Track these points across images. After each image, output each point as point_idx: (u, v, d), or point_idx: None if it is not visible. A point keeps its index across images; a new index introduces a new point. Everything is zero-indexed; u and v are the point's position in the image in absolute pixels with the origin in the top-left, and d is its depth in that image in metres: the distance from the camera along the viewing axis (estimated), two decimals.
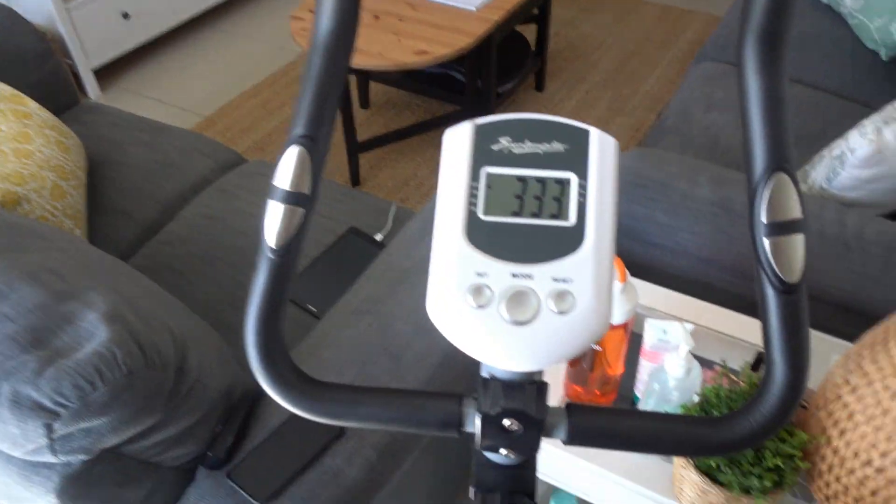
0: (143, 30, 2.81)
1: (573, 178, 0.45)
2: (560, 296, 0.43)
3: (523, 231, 0.44)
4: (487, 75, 2.22)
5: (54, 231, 0.95)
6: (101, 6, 2.60)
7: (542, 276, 0.43)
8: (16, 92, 1.51)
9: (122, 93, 2.76)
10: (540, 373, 0.50)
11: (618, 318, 0.82)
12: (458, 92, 2.34)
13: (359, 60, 1.87)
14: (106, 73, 2.84)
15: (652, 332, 0.86)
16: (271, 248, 0.48)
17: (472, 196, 0.46)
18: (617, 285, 0.81)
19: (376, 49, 1.90)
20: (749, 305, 1.14)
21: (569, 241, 0.44)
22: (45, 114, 1.52)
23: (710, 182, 1.16)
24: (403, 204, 1.96)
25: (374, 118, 2.55)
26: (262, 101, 2.66)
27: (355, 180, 2.26)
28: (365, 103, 2.59)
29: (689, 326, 0.82)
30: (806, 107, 1.77)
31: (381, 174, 2.31)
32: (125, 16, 2.70)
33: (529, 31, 2.55)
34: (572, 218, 0.44)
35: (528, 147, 0.47)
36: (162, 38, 3.05)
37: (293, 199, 0.47)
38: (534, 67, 2.56)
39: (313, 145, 0.48)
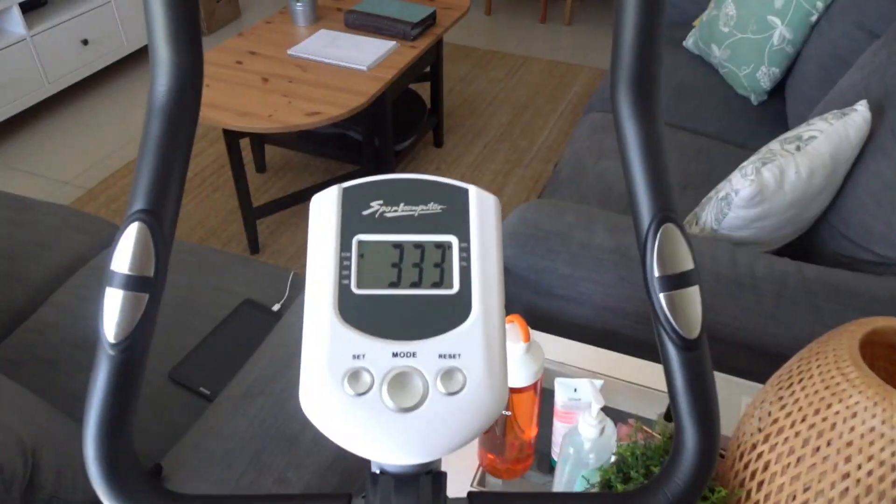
0: (14, 101, 2.63)
1: (454, 240, 0.41)
2: (448, 374, 0.38)
3: (403, 304, 0.40)
4: (384, 134, 2.20)
5: None
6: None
7: (426, 354, 0.39)
8: None
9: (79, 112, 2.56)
10: (437, 461, 0.45)
11: (525, 379, 0.78)
12: (357, 151, 2.31)
13: (249, 123, 1.81)
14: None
15: (562, 392, 0.83)
16: (110, 343, 0.41)
17: (344, 268, 0.41)
18: (521, 346, 0.77)
19: (266, 112, 1.84)
20: (656, 352, 1.13)
21: (454, 311, 0.40)
22: None
23: (608, 230, 1.17)
24: (304, 270, 1.87)
25: (271, 182, 2.47)
26: None
27: (254, 247, 2.16)
28: (261, 167, 2.51)
29: (599, 382, 0.79)
30: (690, 151, 1.84)
31: (281, 239, 2.22)
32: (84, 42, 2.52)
33: (424, 90, 2.57)
34: (456, 285, 0.40)
35: (402, 210, 0.42)
36: (35, 106, 2.87)
37: (134, 284, 0.40)
38: (430, 124, 2.57)
39: (155, 221, 0.42)
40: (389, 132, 2.20)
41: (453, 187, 0.43)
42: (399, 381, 0.38)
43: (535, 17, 3.76)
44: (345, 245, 0.41)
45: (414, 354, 0.39)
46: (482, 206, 0.43)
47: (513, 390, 0.79)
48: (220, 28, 3.61)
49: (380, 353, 0.38)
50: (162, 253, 0.42)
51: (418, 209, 0.42)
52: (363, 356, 0.38)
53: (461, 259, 0.41)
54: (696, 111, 2.02)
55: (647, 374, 1.00)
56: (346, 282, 0.40)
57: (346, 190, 0.43)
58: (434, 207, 0.42)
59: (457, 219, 0.42)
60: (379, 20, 2.20)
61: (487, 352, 0.39)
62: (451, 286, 0.40)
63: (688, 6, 2.48)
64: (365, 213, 0.42)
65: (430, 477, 0.43)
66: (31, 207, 1.62)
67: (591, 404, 0.74)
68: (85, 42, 2.85)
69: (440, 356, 0.39)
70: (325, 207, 0.43)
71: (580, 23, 3.71)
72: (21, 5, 2.61)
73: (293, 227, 2.26)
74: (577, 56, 3.38)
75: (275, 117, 1.82)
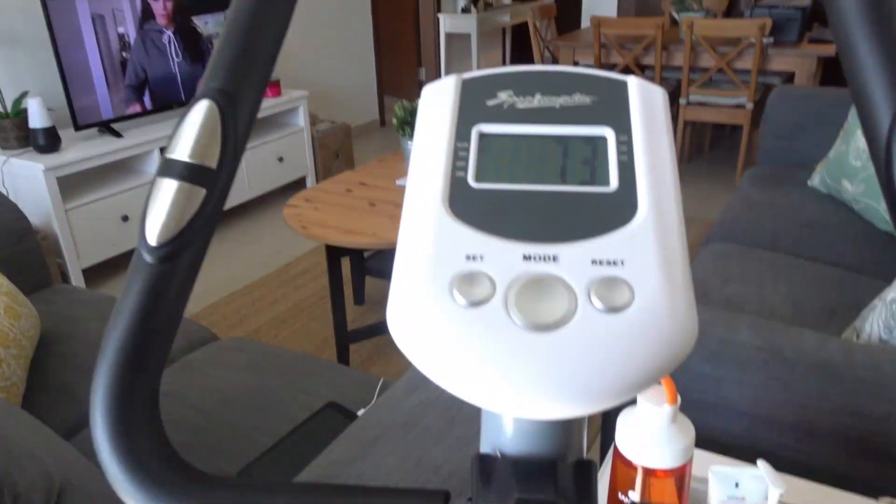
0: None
1: (609, 133, 0.31)
2: (607, 284, 0.26)
3: (537, 201, 0.29)
4: None
5: None
6: (102, 209, 2.62)
7: (573, 259, 0.27)
8: None
9: (109, 292, 2.67)
10: (580, 444, 0.31)
11: (669, 458, 0.60)
12: None
13: (353, 240, 1.80)
14: (95, 272, 2.79)
15: (719, 486, 0.63)
16: (150, 247, 0.30)
17: (459, 159, 0.30)
18: (665, 410, 0.60)
19: (371, 230, 1.83)
20: (828, 478, 0.89)
21: (612, 210, 0.28)
22: (2, 279, 1.39)
23: (752, 328, 0.99)
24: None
25: (367, 315, 2.42)
26: (254, 299, 2.56)
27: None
28: (360, 299, 2.48)
29: (768, 467, 0.59)
30: (829, 281, 1.64)
31: (372, 368, 2.11)
32: (125, 219, 2.71)
33: None
34: (613, 182, 0.29)
35: (539, 101, 0.32)
36: None
37: (190, 173, 0.31)
38: None
39: (230, 104, 0.33)
40: None
41: (605, 78, 0.34)
42: (533, 290, 0.26)
43: None
44: (461, 135, 0.32)
45: (555, 259, 0.27)
46: (646, 98, 0.33)
47: (650, 473, 0.61)
48: None
49: (505, 255, 0.27)
50: (231, 143, 0.33)
51: (560, 100, 0.32)
52: (480, 258, 0.27)
53: (620, 153, 0.30)
54: (831, 245, 1.83)
55: (819, 497, 0.77)
56: (461, 174, 0.30)
57: (466, 80, 0.35)
58: (581, 99, 0.33)
59: (612, 110, 0.32)
60: None
61: (664, 258, 0.27)
62: (605, 182, 0.29)
63: (810, 150, 2.38)
64: (490, 102, 0.33)
65: (570, 466, 0.29)
66: None
67: (769, 490, 0.54)
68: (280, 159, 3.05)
69: (594, 262, 0.27)
70: (438, 96, 0.34)
71: (689, 183, 3.67)
72: (161, 150, 2.87)
73: (385, 357, 2.16)
74: (688, 210, 3.30)
75: (379, 235, 1.81)
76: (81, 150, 2.57)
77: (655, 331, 0.25)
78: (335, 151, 3.76)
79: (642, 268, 0.26)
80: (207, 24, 3.11)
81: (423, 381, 0.96)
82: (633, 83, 0.33)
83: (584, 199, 0.28)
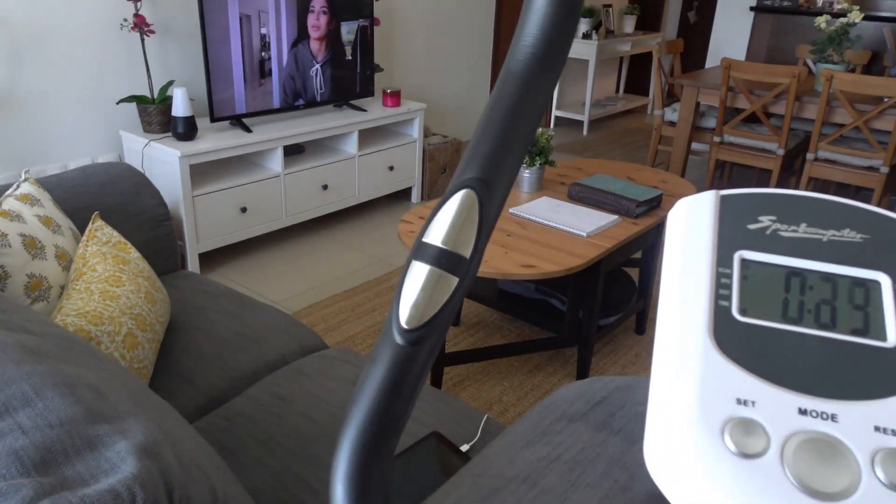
0: (256, 225, 2.93)
1: (884, 279, 0.29)
2: (895, 457, 0.25)
3: (809, 346, 0.28)
4: (590, 305, 2.10)
5: (110, 358, 0.82)
6: (224, 198, 2.76)
7: (855, 421, 0.26)
8: (123, 240, 1.50)
9: (219, 277, 2.81)
10: None
11: None
12: (556, 320, 2.22)
13: None
14: (208, 258, 2.94)
15: None
16: (402, 329, 0.32)
17: (722, 286, 0.30)
18: None
19: (483, 258, 1.84)
20: None
21: (892, 370, 0.27)
22: (144, 264, 1.48)
23: None
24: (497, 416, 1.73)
25: (462, 336, 2.44)
26: (354, 304, 2.63)
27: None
28: (456, 320, 2.50)
29: None
30: None
31: (463, 392, 2.12)
32: (243, 210, 2.84)
33: (633, 275, 2.48)
34: (892, 336, 0.27)
35: (804, 231, 0.31)
36: (269, 234, 3.19)
37: (448, 261, 0.33)
38: (636, 308, 2.44)
39: (487, 194, 0.34)
40: (597, 304, 2.10)
41: (878, 214, 0.32)
42: (812, 452, 0.25)
43: None
44: (723, 260, 0.31)
45: (834, 418, 0.26)
46: None
47: None
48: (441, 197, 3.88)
49: (779, 405, 0.26)
50: (484, 233, 0.34)
51: (827, 234, 0.31)
52: (753, 403, 0.26)
53: None
54: None
55: None
56: (724, 303, 0.29)
57: (725, 198, 0.34)
58: (850, 235, 0.31)
59: (886, 253, 0.30)
60: (603, 195, 2.20)
61: None
62: (882, 337, 0.28)
63: None
64: (751, 227, 0.32)
65: None
66: (250, 305, 1.69)
67: None
68: (325, 187, 3.17)
69: (877, 429, 0.25)
70: (696, 213, 0.33)
71: None
72: (284, 148, 3.00)
73: (477, 384, 2.16)
74: None
75: (490, 264, 1.81)
76: (214, 141, 2.71)
77: None
78: (443, 166, 3.82)
79: None
80: (349, 32, 3.22)
81: (542, 435, 0.96)
82: None
83: (859, 351, 0.27)
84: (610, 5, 5.67)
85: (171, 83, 2.79)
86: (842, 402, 0.26)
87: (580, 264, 1.84)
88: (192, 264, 2.73)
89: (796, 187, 3.67)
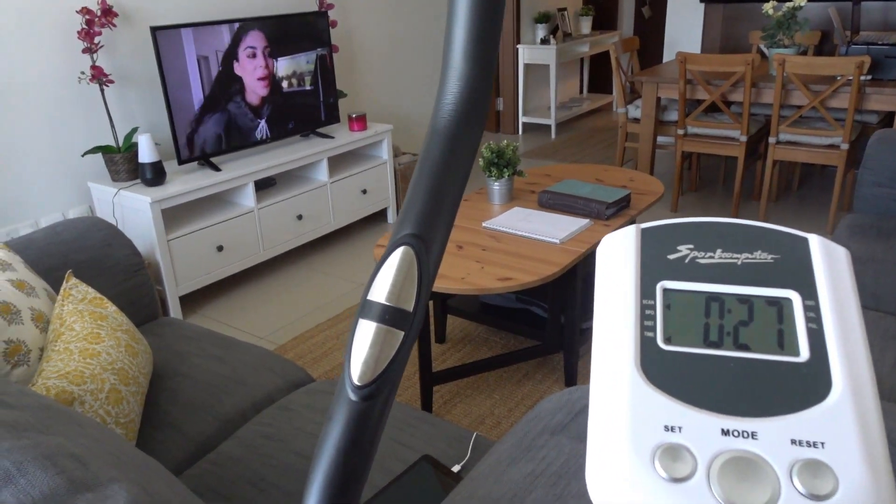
0: (234, 263, 2.93)
1: (794, 297, 0.31)
2: (810, 469, 0.27)
3: (728, 369, 0.30)
4: (571, 310, 2.13)
5: (91, 421, 0.82)
6: (199, 239, 2.76)
7: (773, 437, 0.28)
8: (99, 295, 1.50)
9: (201, 318, 2.81)
10: None
11: None
12: (539, 327, 2.24)
13: (443, 285, 1.83)
14: (188, 300, 2.93)
15: None
16: (355, 386, 0.34)
17: (647, 318, 0.32)
18: None
19: (459, 275, 1.86)
20: None
21: (804, 384, 0.29)
22: (122, 317, 1.48)
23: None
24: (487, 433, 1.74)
25: (448, 353, 2.45)
26: (339, 331, 2.63)
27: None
28: (441, 338, 2.52)
29: None
30: None
31: (454, 410, 2.13)
32: (220, 248, 2.84)
33: None
34: (804, 352, 0.29)
35: (720, 257, 0.33)
36: (248, 270, 3.19)
37: (392, 317, 0.35)
38: None
39: (424, 248, 0.36)
40: (577, 309, 2.13)
41: (787, 234, 0.34)
42: (735, 470, 0.27)
43: (726, 217, 3.66)
44: (647, 292, 0.33)
45: (753, 435, 0.28)
46: (830, 258, 0.33)
47: None
48: None
49: (703, 428, 0.28)
50: (424, 287, 0.36)
51: (741, 257, 0.33)
52: (679, 429, 0.28)
53: (808, 320, 0.31)
54: None
55: None
56: (649, 334, 0.31)
57: (646, 231, 0.36)
58: (762, 256, 0.33)
59: (795, 271, 0.32)
60: (573, 200, 2.24)
61: (866, 444, 0.27)
62: (795, 352, 0.30)
63: None
64: (671, 257, 0.34)
65: None
66: (233, 345, 1.70)
67: None
68: (300, 217, 3.18)
69: (793, 442, 0.27)
70: (619, 248, 0.35)
71: (777, 223, 3.55)
72: (255, 183, 3.00)
73: (467, 399, 2.17)
74: None
75: (468, 280, 1.83)
76: (184, 183, 2.72)
77: None
78: None
79: (844, 453, 0.26)
80: (308, 62, 3.24)
81: (526, 451, 0.97)
82: (815, 242, 0.33)
83: (775, 368, 0.29)
84: (565, 9, 5.75)
85: (135, 130, 2.79)
86: (761, 419, 0.28)
87: (556, 272, 1.86)
88: (174, 308, 2.73)
89: (762, 171, 3.74)
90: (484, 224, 2.19)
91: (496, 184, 2.37)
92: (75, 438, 0.71)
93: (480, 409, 2.12)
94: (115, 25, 2.67)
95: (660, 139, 3.97)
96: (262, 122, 3.12)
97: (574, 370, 2.21)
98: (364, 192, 3.51)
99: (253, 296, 2.98)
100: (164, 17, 2.95)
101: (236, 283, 3.09)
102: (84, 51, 2.58)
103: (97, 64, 2.65)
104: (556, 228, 2.10)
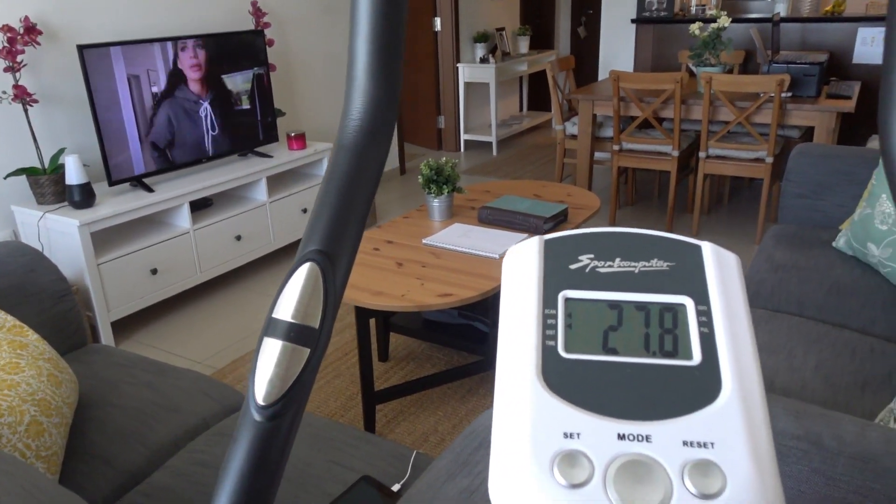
0: (169, 286, 2.85)
1: (688, 302, 0.32)
2: (700, 469, 0.28)
3: (625, 374, 0.31)
4: None
5: (7, 456, 0.78)
6: (131, 262, 2.67)
7: (665, 440, 0.28)
8: (18, 323, 1.43)
9: (135, 344, 2.71)
10: None
11: None
12: (482, 343, 2.25)
13: (383, 302, 1.82)
14: (121, 325, 2.83)
15: None
16: (259, 406, 0.33)
17: (548, 327, 0.32)
18: None
19: (399, 292, 1.85)
20: None
21: (696, 387, 0.30)
22: (44, 345, 1.42)
23: (791, 414, 0.99)
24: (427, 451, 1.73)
25: (392, 371, 2.43)
26: None
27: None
28: (384, 356, 2.50)
29: None
30: (859, 353, 1.64)
31: (398, 428, 2.11)
32: (154, 271, 2.76)
33: None
34: (696, 355, 0.31)
35: (619, 266, 0.34)
36: (184, 293, 3.10)
37: (297, 334, 0.34)
38: None
39: (329, 265, 0.36)
40: None
41: (681, 242, 0.36)
42: (630, 473, 0.28)
43: (661, 229, 3.77)
44: (549, 301, 0.33)
45: (648, 438, 0.28)
46: (721, 265, 0.34)
47: None
48: None
49: (600, 434, 0.29)
50: (331, 303, 0.36)
51: (638, 265, 0.34)
52: (577, 435, 0.29)
53: (700, 325, 0.32)
54: (860, 311, 1.83)
55: None
56: (551, 343, 0.32)
57: (548, 242, 0.36)
58: (658, 264, 0.34)
59: (689, 278, 0.34)
60: (511, 215, 2.27)
61: (752, 443, 0.28)
62: (689, 356, 0.31)
63: (833, 210, 2.39)
64: (572, 266, 0.35)
65: None
66: (167, 371, 1.64)
67: None
68: (238, 237, 3.12)
69: (685, 444, 0.28)
70: (523, 259, 0.35)
71: (709, 234, 3.68)
72: (191, 204, 2.93)
73: (412, 417, 2.16)
74: None
75: (408, 297, 1.83)
76: (114, 205, 2.63)
77: None
78: None
79: (732, 452, 0.27)
80: (244, 81, 3.20)
81: (462, 466, 0.97)
82: (708, 249, 0.34)
83: (669, 372, 0.30)
84: (503, 28, 5.86)
85: (62, 151, 2.69)
86: (655, 422, 0.28)
87: (495, 287, 1.88)
88: (105, 334, 2.62)
89: (694, 185, 3.87)
90: (424, 241, 2.19)
91: (436, 200, 2.38)
92: None
93: (424, 427, 2.11)
94: (38, 44, 2.58)
95: (597, 155, 4.07)
96: (198, 142, 3.06)
97: None
98: (304, 210, 3.48)
99: (190, 319, 2.90)
100: (93, 36, 2.87)
101: (172, 307, 3.00)
102: (6, 69, 2.49)
103: (20, 83, 2.55)
104: (496, 244, 2.12)
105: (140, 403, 1.51)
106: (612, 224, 3.86)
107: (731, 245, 3.52)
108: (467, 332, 2.32)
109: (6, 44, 2.46)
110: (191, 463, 1.34)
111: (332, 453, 1.33)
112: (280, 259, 3.49)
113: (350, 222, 0.38)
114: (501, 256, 2.04)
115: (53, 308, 1.73)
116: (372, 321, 2.63)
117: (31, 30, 2.51)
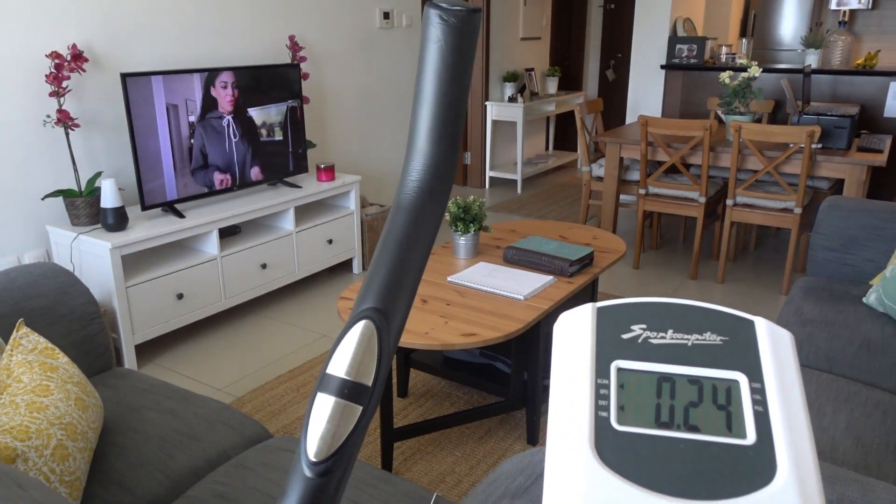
0: (194, 311, 2.88)
1: (742, 379, 0.33)
2: None
3: (679, 450, 0.30)
4: (535, 366, 2.13)
5: (33, 481, 0.79)
6: (159, 286, 2.71)
7: None
8: (50, 345, 1.45)
9: (156, 368, 2.73)
10: None
11: None
12: (503, 384, 2.24)
13: (405, 339, 1.82)
14: (143, 348, 2.85)
15: None
16: (311, 462, 0.34)
17: (601, 398, 0.33)
18: None
19: (423, 329, 1.86)
20: None
21: (751, 468, 0.30)
22: (74, 369, 1.44)
23: (822, 478, 0.97)
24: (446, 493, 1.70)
25: (411, 408, 2.42)
26: (298, 384, 2.58)
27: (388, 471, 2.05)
28: (403, 392, 2.49)
29: None
30: (891, 414, 1.60)
31: (415, 467, 2.09)
32: (179, 296, 2.79)
33: None
34: (751, 434, 0.30)
35: (671, 337, 0.35)
36: (208, 318, 3.13)
37: (350, 391, 0.35)
38: None
39: (385, 322, 0.37)
40: (540, 366, 2.13)
41: (735, 317, 0.36)
42: None
43: (685, 275, 3.74)
44: (601, 371, 0.34)
45: None
46: (775, 342, 0.34)
47: None
48: None
49: None
50: (384, 361, 0.37)
51: (691, 338, 0.34)
52: None
53: (754, 403, 0.32)
54: (892, 369, 1.79)
55: None
56: (603, 414, 0.32)
57: (601, 310, 0.37)
58: (712, 338, 0.34)
59: (743, 353, 0.34)
60: (537, 256, 2.27)
61: None
62: (742, 435, 0.31)
63: (863, 265, 2.36)
64: (625, 336, 0.35)
65: None
66: (189, 399, 1.65)
67: None
68: (263, 266, 3.15)
69: None
70: (575, 327, 0.36)
71: (734, 282, 3.64)
72: (219, 230, 2.98)
73: (429, 456, 2.14)
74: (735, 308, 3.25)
75: (431, 335, 1.83)
76: (146, 230, 2.68)
77: None
78: None
79: None
80: (278, 113, 3.27)
81: None
82: (762, 325, 0.34)
83: (723, 450, 0.30)
84: (532, 69, 5.93)
85: (98, 174, 2.76)
86: (710, 502, 0.28)
87: (519, 328, 1.87)
88: (128, 357, 2.65)
89: (720, 231, 3.84)
90: (449, 279, 2.20)
91: (462, 238, 2.39)
92: (14, 501, 0.68)
93: (442, 467, 2.09)
94: (84, 70, 2.67)
95: (622, 198, 4.07)
96: (230, 170, 3.12)
97: (536, 427, 2.19)
98: (330, 241, 3.51)
99: (212, 345, 2.92)
100: (136, 64, 2.96)
101: (195, 332, 3.02)
102: (51, 94, 2.57)
103: (64, 108, 2.63)
104: (521, 285, 2.11)
105: (162, 430, 1.52)
106: (636, 268, 3.84)
107: (758, 294, 3.48)
108: (488, 372, 2.30)
109: (53, 69, 2.54)
110: (211, 494, 1.34)
111: (351, 492, 1.32)
112: (304, 289, 3.51)
113: (405, 281, 0.38)
114: (526, 298, 2.04)
115: (83, 330, 1.75)
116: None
117: (77, 57, 2.59)
